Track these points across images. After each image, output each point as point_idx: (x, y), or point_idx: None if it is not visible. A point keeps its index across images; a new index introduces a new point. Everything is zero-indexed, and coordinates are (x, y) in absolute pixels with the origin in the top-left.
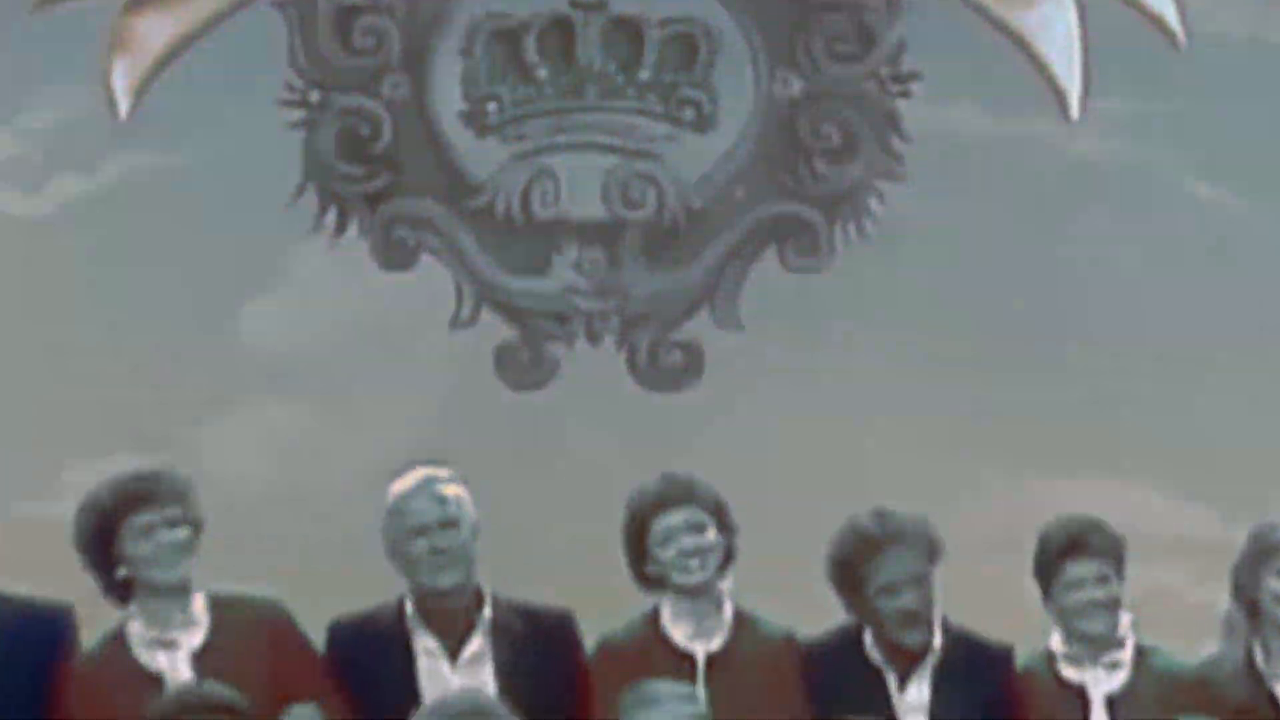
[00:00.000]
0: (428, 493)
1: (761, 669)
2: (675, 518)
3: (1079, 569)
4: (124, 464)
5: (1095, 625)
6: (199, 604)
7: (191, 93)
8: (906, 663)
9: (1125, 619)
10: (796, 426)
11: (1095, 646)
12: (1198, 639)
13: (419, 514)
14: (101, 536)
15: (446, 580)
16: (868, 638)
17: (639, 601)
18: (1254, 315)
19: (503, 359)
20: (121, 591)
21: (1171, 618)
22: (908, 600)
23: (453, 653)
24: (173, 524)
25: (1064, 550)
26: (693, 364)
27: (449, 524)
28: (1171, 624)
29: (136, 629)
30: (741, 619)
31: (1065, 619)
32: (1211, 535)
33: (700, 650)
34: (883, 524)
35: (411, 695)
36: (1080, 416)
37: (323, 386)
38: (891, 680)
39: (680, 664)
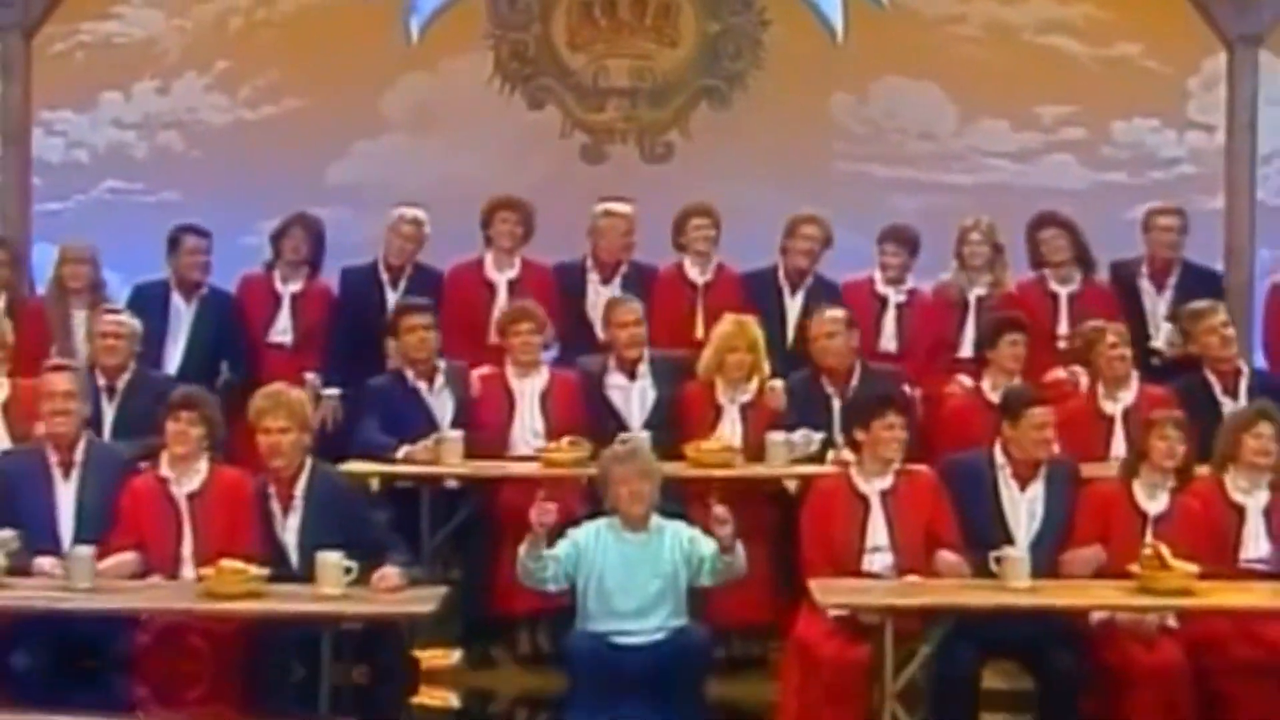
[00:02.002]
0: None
1: (737, 291)
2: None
3: (888, 248)
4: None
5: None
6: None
7: (441, 29)
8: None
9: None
10: (717, 181)
11: (892, 273)
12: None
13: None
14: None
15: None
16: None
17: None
18: None
19: (583, 151)
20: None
21: None
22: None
23: (605, 280)
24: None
25: (883, 237)
26: (669, 153)
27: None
28: None
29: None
30: (722, 266)
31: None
32: None
33: (700, 280)
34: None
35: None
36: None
37: (493, 169)
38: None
39: (689, 289)
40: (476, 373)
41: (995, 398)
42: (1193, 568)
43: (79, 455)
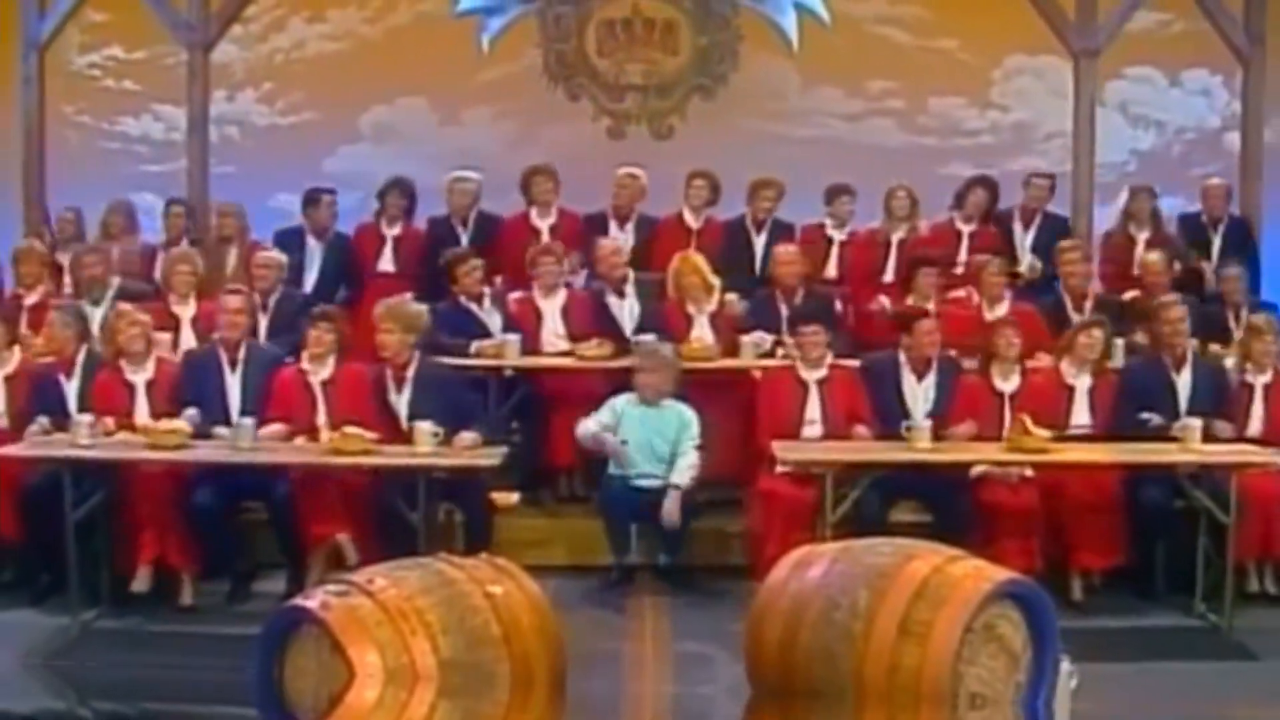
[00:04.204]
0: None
1: (719, 234)
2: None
3: (844, 199)
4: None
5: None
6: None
7: (505, 43)
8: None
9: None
10: (706, 153)
11: (842, 218)
12: None
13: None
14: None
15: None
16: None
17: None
18: None
19: (608, 131)
20: None
21: None
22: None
23: (621, 225)
24: None
25: (838, 191)
26: (671, 133)
27: None
28: None
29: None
30: (710, 217)
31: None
32: None
33: (695, 226)
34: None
35: None
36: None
37: (541, 143)
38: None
39: (685, 232)
40: (511, 296)
41: None
42: (1047, 432)
43: (242, 354)
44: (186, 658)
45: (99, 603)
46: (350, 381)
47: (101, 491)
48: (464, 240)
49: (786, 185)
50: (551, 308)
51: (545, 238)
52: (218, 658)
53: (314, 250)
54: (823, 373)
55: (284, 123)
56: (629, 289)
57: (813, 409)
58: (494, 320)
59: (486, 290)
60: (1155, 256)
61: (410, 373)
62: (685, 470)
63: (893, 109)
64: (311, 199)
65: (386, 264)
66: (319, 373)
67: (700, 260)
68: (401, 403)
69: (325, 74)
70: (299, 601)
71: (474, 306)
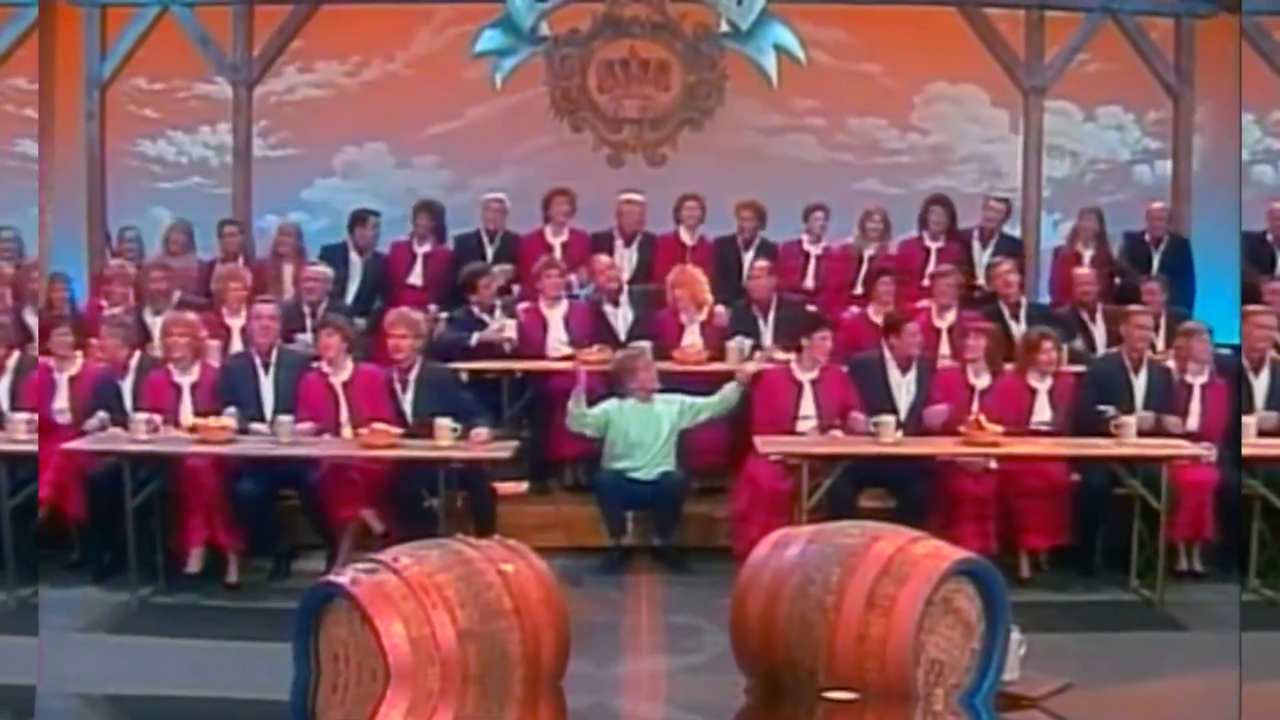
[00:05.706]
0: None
1: (711, 251)
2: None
3: (818, 215)
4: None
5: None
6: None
7: (516, 79)
8: None
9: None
10: (695, 178)
11: (816, 232)
12: None
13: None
14: None
15: None
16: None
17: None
18: None
19: (608, 159)
20: None
21: None
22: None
23: (626, 244)
24: None
25: (814, 208)
26: (663, 161)
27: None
28: None
29: (548, 229)
30: (703, 236)
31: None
32: None
33: (689, 243)
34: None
35: None
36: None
37: (548, 170)
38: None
39: (680, 248)
40: (520, 306)
41: (877, 319)
42: (999, 428)
43: (274, 357)
44: (233, 629)
45: (155, 580)
46: (366, 382)
47: (157, 480)
48: (489, 254)
49: (767, 202)
50: (555, 316)
51: (558, 252)
52: (260, 629)
53: (356, 265)
54: (815, 374)
55: (273, 155)
56: (624, 299)
57: (807, 405)
58: (504, 327)
59: (498, 301)
60: (1084, 271)
61: (413, 374)
62: (730, 387)
63: (812, 125)
64: (359, 219)
65: (415, 278)
66: (338, 375)
67: (695, 272)
68: (406, 401)
69: (308, 116)
70: (332, 578)
71: (486, 316)
